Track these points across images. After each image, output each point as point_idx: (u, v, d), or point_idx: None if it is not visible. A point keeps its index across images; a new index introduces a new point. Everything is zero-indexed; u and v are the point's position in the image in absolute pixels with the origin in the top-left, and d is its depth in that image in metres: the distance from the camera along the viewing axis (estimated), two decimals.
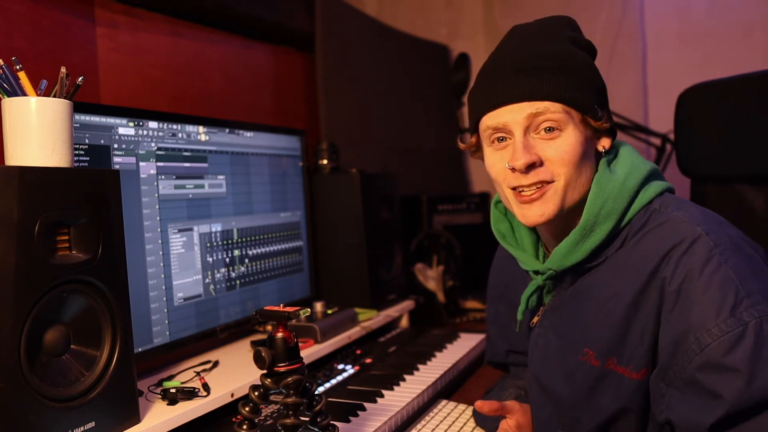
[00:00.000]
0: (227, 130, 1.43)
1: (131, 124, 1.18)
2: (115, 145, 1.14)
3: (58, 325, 0.85)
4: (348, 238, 1.69)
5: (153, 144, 1.22)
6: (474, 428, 1.09)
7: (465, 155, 2.79)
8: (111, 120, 1.13)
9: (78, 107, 1.01)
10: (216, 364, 1.26)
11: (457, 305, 2.01)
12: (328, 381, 1.27)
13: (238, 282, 1.43)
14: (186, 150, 1.31)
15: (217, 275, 1.37)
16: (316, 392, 0.89)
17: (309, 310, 0.87)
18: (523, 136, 0.90)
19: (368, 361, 1.41)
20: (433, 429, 1.09)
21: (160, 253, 1.22)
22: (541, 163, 0.89)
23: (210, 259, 1.35)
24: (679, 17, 2.24)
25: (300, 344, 0.89)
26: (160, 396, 1.05)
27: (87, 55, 1.39)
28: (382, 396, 1.18)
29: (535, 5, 2.38)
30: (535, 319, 1.02)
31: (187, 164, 1.30)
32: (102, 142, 1.11)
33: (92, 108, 1.10)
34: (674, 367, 0.82)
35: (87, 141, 1.08)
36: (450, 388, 1.33)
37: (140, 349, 1.14)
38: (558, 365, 0.96)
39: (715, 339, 0.78)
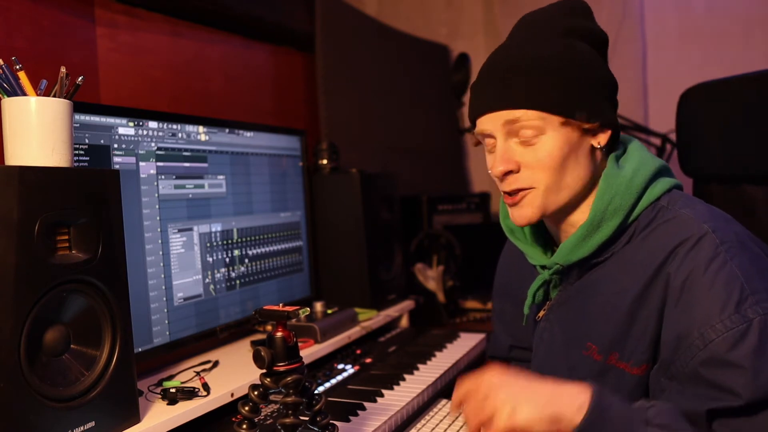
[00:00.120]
0: (227, 130, 1.43)
1: (131, 124, 1.18)
2: (115, 145, 1.14)
3: (58, 325, 0.85)
4: (348, 238, 1.69)
5: (153, 144, 1.22)
6: None
7: (465, 155, 2.79)
8: (111, 120, 1.14)
9: (78, 107, 1.01)
10: (216, 364, 1.26)
11: (457, 305, 2.01)
12: (328, 381, 1.27)
13: (238, 282, 1.43)
14: (186, 150, 1.31)
15: (217, 275, 1.37)
16: (316, 392, 0.89)
17: (308, 309, 0.87)
18: (504, 142, 0.92)
19: (368, 360, 1.41)
20: (433, 428, 1.09)
21: (160, 253, 1.22)
22: (519, 170, 0.91)
23: (210, 259, 1.35)
24: (679, 17, 2.24)
25: (300, 344, 0.89)
26: (160, 396, 1.05)
27: (87, 55, 1.39)
28: (382, 395, 1.18)
29: (535, 5, 2.36)
30: (541, 314, 1.03)
31: (187, 164, 1.30)
32: (102, 142, 1.11)
33: (92, 108, 1.10)
34: (676, 362, 0.82)
35: (87, 141, 1.08)
36: (450, 388, 1.32)
37: (140, 349, 1.15)
38: (562, 359, 0.97)
39: (719, 335, 0.78)
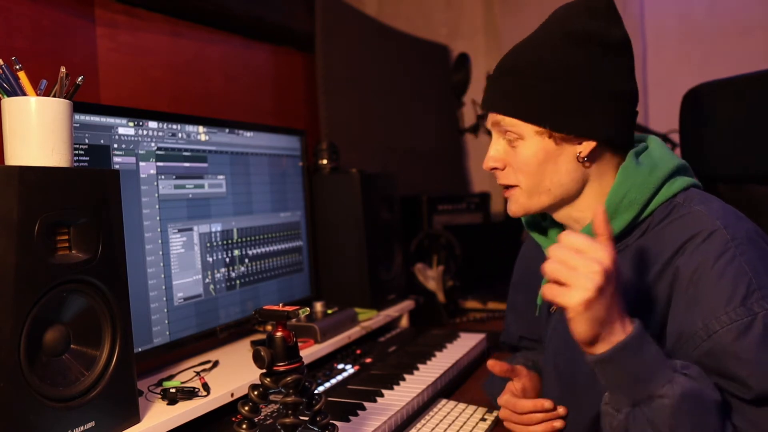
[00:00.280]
0: (227, 130, 1.43)
1: (131, 124, 1.18)
2: (115, 145, 1.14)
3: (58, 325, 0.85)
4: (348, 238, 1.69)
5: (153, 144, 1.22)
6: (473, 428, 1.09)
7: (465, 155, 2.79)
8: (111, 120, 1.14)
9: (78, 107, 1.02)
10: (216, 364, 1.26)
11: (457, 305, 2.01)
12: (328, 381, 1.27)
13: (238, 282, 1.43)
14: (186, 150, 1.31)
15: (217, 275, 1.37)
16: (316, 392, 0.89)
17: (308, 309, 0.87)
18: (497, 140, 0.98)
19: (368, 360, 1.41)
20: (433, 428, 1.09)
21: (160, 253, 1.22)
22: (504, 168, 0.97)
23: (210, 259, 1.35)
24: (679, 17, 2.24)
25: (300, 344, 0.89)
26: (160, 396, 1.05)
27: (87, 55, 1.39)
28: (382, 395, 1.18)
29: (535, 5, 2.39)
30: (555, 306, 1.04)
31: (187, 164, 1.30)
32: (102, 142, 1.11)
33: (92, 108, 1.10)
34: (680, 352, 0.83)
35: (87, 141, 1.08)
36: (450, 388, 1.33)
37: (140, 349, 1.15)
38: (575, 351, 0.98)
39: (723, 326, 0.79)
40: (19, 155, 0.85)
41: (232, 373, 1.20)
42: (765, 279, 0.81)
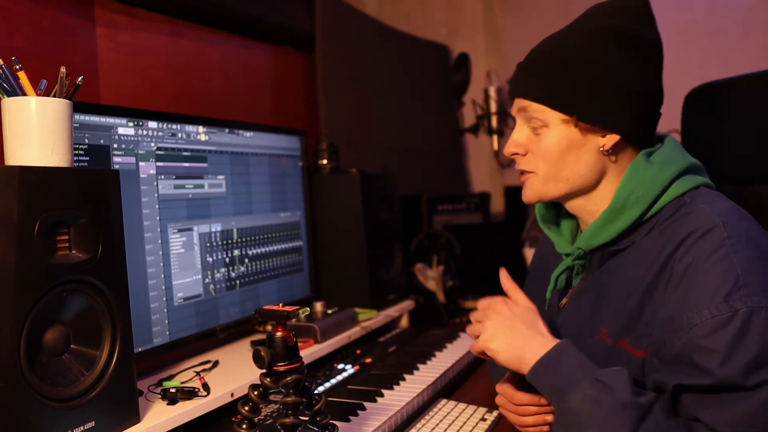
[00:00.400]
0: (227, 130, 1.43)
1: (131, 124, 1.18)
2: (115, 145, 1.14)
3: (58, 325, 0.85)
4: (348, 238, 1.69)
5: (153, 144, 1.22)
6: (473, 428, 1.09)
7: (465, 155, 2.79)
8: (111, 120, 1.14)
9: (78, 107, 1.02)
10: (216, 364, 1.26)
11: (457, 305, 2.00)
12: (327, 381, 1.27)
13: (238, 282, 1.43)
14: (186, 150, 1.31)
15: (217, 275, 1.37)
16: (316, 392, 0.89)
17: (308, 309, 0.87)
18: (520, 126, 0.99)
19: (368, 360, 1.41)
20: (433, 428, 1.09)
21: (160, 253, 1.22)
22: (526, 154, 0.99)
23: (210, 259, 1.35)
24: (679, 17, 2.24)
25: (300, 344, 0.89)
26: (160, 396, 1.05)
27: (87, 55, 1.39)
28: (381, 395, 1.18)
29: (535, 5, 2.39)
30: (564, 301, 1.07)
31: (186, 164, 1.30)
32: (102, 142, 1.11)
33: (92, 108, 1.10)
34: (666, 342, 0.85)
35: (87, 141, 1.08)
36: (450, 388, 1.33)
37: (140, 349, 1.15)
38: (581, 347, 0.99)
39: (703, 320, 0.80)
40: (19, 155, 0.85)
41: (232, 373, 1.20)
42: (753, 278, 0.81)
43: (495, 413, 1.14)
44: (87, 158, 1.08)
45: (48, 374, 0.82)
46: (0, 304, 0.76)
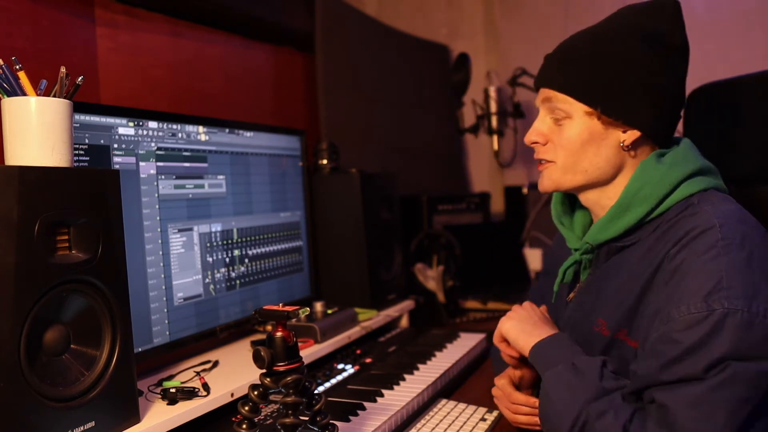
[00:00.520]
0: (227, 130, 1.43)
1: (131, 124, 1.18)
2: (115, 145, 1.14)
3: (58, 324, 0.85)
4: (348, 238, 1.69)
5: (153, 144, 1.22)
6: (473, 428, 1.10)
7: (465, 155, 2.79)
8: (111, 120, 1.14)
9: (78, 107, 1.02)
10: (216, 364, 1.26)
11: (457, 305, 2.01)
12: (328, 381, 1.27)
13: (238, 282, 1.43)
14: (186, 150, 1.31)
15: (217, 275, 1.37)
16: (316, 392, 0.89)
17: (308, 309, 0.87)
18: (543, 116, 1.02)
19: (368, 360, 1.41)
20: (433, 428, 1.09)
21: (160, 253, 1.22)
22: (546, 143, 1.01)
23: (210, 259, 1.35)
24: None
25: (300, 344, 0.89)
26: (160, 396, 1.05)
27: (87, 55, 1.39)
28: (382, 395, 1.18)
29: (535, 5, 2.39)
30: (571, 296, 1.09)
31: (187, 164, 1.30)
32: (102, 142, 1.11)
33: (92, 108, 1.10)
34: (649, 334, 0.87)
35: (87, 141, 1.08)
36: (450, 388, 1.33)
37: (140, 349, 1.15)
38: (581, 338, 1.02)
39: (681, 315, 0.82)
40: (19, 155, 0.85)
41: (232, 373, 1.20)
42: (737, 280, 0.81)
43: (495, 413, 1.14)
44: (87, 158, 1.08)
45: (48, 374, 0.82)
46: (0, 304, 0.76)
